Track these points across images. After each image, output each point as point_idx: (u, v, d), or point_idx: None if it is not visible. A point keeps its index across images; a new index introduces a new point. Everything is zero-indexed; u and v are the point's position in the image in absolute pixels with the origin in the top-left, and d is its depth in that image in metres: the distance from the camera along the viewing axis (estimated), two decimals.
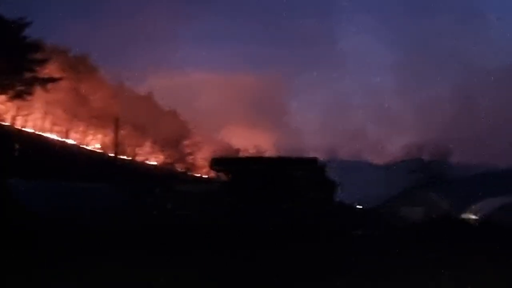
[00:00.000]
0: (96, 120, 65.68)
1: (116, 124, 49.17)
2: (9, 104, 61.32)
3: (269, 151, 65.22)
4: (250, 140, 68.39)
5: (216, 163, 50.98)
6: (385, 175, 49.11)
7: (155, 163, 68.22)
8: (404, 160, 45.33)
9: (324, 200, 45.97)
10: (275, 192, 40.95)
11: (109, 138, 59.36)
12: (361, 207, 57.65)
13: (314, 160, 49.20)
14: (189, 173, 68.16)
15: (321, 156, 51.20)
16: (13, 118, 62.90)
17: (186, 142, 69.33)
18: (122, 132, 55.29)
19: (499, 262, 18.95)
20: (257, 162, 47.70)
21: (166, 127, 70.01)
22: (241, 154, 57.70)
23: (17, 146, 46.45)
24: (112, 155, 52.69)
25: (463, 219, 53.38)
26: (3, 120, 61.87)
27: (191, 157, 68.66)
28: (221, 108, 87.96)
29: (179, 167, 67.34)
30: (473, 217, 59.38)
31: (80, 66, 67.97)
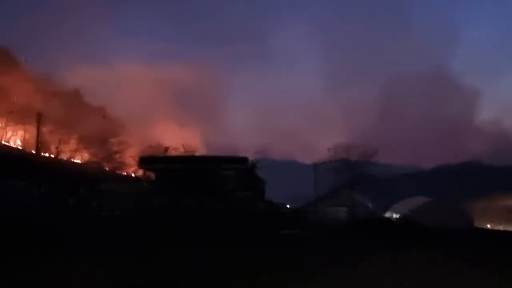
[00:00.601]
0: (18, 115, 62.65)
1: (39, 120, 47.20)
2: None
3: (199, 150, 64.82)
4: (180, 139, 67.64)
5: (145, 161, 50.06)
6: (313, 175, 49.99)
7: (79, 161, 65.93)
8: (331, 161, 46.31)
9: (254, 199, 46.27)
10: (203, 191, 40.76)
11: (31, 135, 56.75)
12: (289, 206, 58.45)
13: (244, 160, 49.36)
14: (116, 172, 66.42)
15: (251, 156, 51.37)
16: None
17: (113, 140, 67.42)
18: (45, 129, 53.05)
19: (418, 256, 19.87)
20: (186, 161, 47.26)
21: (93, 124, 67.87)
22: (170, 153, 56.80)
23: None
24: (34, 152, 50.47)
25: (386, 218, 55.38)
26: None
27: (118, 155, 66.85)
28: (150, 106, 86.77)
29: (106, 166, 65.43)
30: (395, 216, 61.71)
31: (1, 59, 64.64)
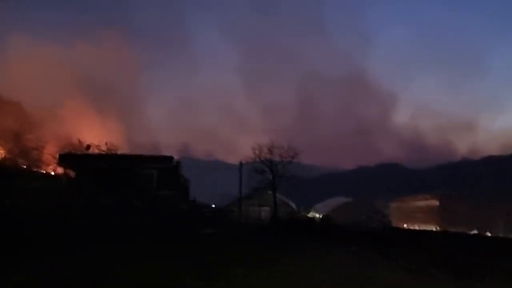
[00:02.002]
0: None
1: None
2: None
3: (123, 149, 63.54)
4: (102, 136, 66.00)
5: (64, 159, 48.55)
6: (237, 175, 50.45)
7: None
8: (254, 161, 46.92)
9: (177, 199, 46.04)
10: (125, 190, 40.12)
11: None
12: (213, 205, 58.61)
13: (168, 158, 49.01)
14: (33, 169, 63.74)
15: (174, 154, 51.12)
16: None
17: (30, 136, 64.65)
18: None
19: (333, 252, 20.75)
20: (108, 159, 46.33)
21: (8, 119, 64.77)
22: (92, 151, 55.34)
23: None
24: None
25: (308, 217, 56.91)
26: None
27: (36, 152, 64.17)
28: (71, 102, 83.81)
29: (23, 163, 62.65)
30: (317, 215, 63.51)
31: None
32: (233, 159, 72.18)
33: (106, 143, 58.30)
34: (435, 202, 75.42)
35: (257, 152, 46.76)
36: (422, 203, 79.58)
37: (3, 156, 63.05)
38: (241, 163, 51.27)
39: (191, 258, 18.10)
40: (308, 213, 68.35)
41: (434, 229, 62.03)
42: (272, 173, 46.31)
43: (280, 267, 17.01)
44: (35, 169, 63.21)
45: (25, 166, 60.83)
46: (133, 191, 40.85)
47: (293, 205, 62.50)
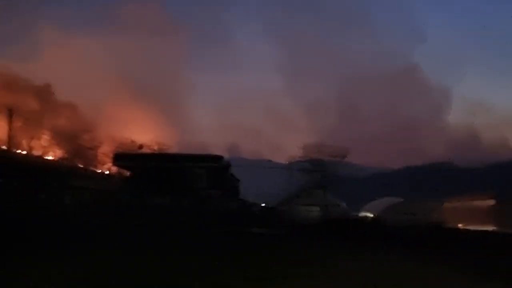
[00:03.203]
0: None
1: (10, 116, 46.62)
2: None
3: (174, 148, 64.86)
4: (154, 136, 67.55)
5: (119, 159, 50.01)
6: (285, 175, 50.57)
7: (51, 157, 65.19)
8: (303, 160, 46.94)
9: (226, 198, 46.62)
10: (177, 189, 40.94)
11: (1, 131, 55.96)
12: (262, 205, 58.96)
13: (218, 158, 49.68)
14: (89, 169, 65.91)
15: (223, 154, 51.76)
16: None
17: (86, 137, 66.91)
18: (16, 125, 52.34)
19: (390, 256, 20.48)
20: (161, 159, 47.37)
21: (66, 120, 67.18)
22: (144, 150, 56.75)
23: None
24: (5, 148, 49.78)
25: (359, 218, 56.32)
26: None
27: (91, 152, 66.36)
28: (123, 102, 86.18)
29: (79, 162, 64.88)
30: (369, 215, 62.77)
31: None
32: (281, 158, 72.33)
33: (157, 143, 59.77)
34: (491, 202, 72.98)
35: (305, 151, 46.79)
36: (477, 203, 77.16)
37: (60, 156, 65.50)
38: (289, 163, 51.41)
39: (239, 258, 18.30)
40: (359, 213, 67.66)
41: (490, 229, 60.16)
42: (321, 172, 46.23)
43: (330, 267, 16.96)
44: (91, 169, 65.42)
45: (81, 166, 63.04)
46: (183, 190, 41.64)
47: (343, 205, 62.04)
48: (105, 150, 65.19)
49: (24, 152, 59.95)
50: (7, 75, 67.12)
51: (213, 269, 15.38)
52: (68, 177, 45.81)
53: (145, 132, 71.74)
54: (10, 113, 46.71)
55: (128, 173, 47.86)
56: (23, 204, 31.67)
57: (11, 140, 48.28)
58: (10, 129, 46.57)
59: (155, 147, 60.28)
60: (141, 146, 53.56)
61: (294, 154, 48.15)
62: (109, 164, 59.44)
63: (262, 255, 19.34)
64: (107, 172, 61.79)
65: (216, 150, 67.42)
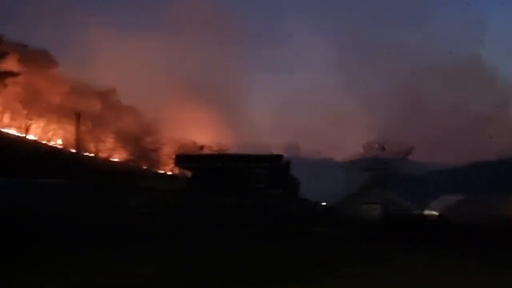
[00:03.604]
0: (57, 115, 64.57)
1: (78, 120, 48.61)
2: None
3: (233, 148, 65.62)
4: (214, 137, 68.58)
5: (181, 160, 51.12)
6: (344, 173, 50.06)
7: (117, 159, 67.51)
8: (362, 158, 46.36)
9: (287, 197, 46.68)
10: (238, 189, 41.40)
11: (70, 134, 58.43)
12: (323, 204, 58.59)
13: (278, 157, 49.83)
14: (153, 170, 67.78)
15: (282, 153, 51.79)
16: None
17: (149, 139, 68.89)
18: (83, 128, 54.53)
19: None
20: (221, 159, 48.00)
21: (128, 123, 69.38)
22: (205, 151, 57.77)
23: None
24: (74, 151, 51.99)
25: (423, 216, 54.88)
26: None
27: (154, 153, 68.25)
28: (183, 105, 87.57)
29: (143, 164, 66.89)
30: (434, 213, 61.02)
31: (39, 61, 66.59)
32: (341, 157, 71.49)
33: (217, 143, 60.68)
34: None
35: (366, 149, 46.18)
36: None
37: (125, 157, 67.72)
38: (350, 161, 50.85)
39: (301, 257, 18.32)
40: (423, 211, 65.93)
41: None
42: (383, 170, 45.46)
43: (393, 267, 16.66)
44: (154, 170, 67.27)
45: (145, 167, 64.99)
46: (244, 190, 42.04)
47: (406, 203, 60.69)
48: (168, 152, 66.87)
49: (92, 155, 62.44)
50: (72, 80, 70.10)
51: (272, 267, 15.48)
52: (133, 178, 47.29)
53: (205, 133, 72.97)
54: (78, 117, 48.62)
55: (189, 174, 48.83)
56: (92, 205, 32.99)
57: (79, 143, 50.28)
58: (77, 133, 48.48)
59: (215, 148, 61.28)
60: (201, 147, 54.56)
61: (354, 152, 47.71)
62: (172, 165, 60.91)
63: (327, 254, 19.29)
64: (169, 173, 63.33)
65: (275, 149, 67.44)
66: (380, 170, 45.55)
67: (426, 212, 64.01)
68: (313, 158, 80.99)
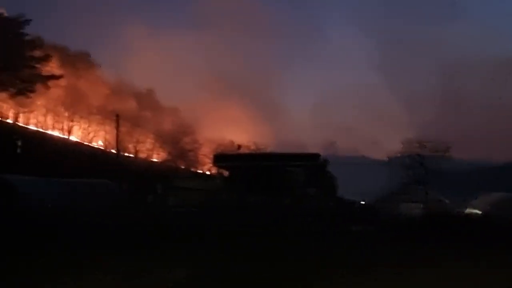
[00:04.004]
0: (97, 117, 66.17)
1: (117, 121, 49.55)
2: (11, 101, 61.80)
3: (270, 147, 65.79)
4: (251, 136, 68.95)
5: (218, 159, 51.49)
6: (383, 171, 49.43)
7: (156, 160, 68.69)
8: (402, 156, 45.72)
9: (324, 196, 46.44)
10: (276, 188, 41.43)
11: (110, 135, 59.71)
12: (361, 202, 58.06)
13: (315, 156, 49.59)
14: (191, 169, 68.65)
15: (319, 151, 51.60)
16: (16, 116, 63.35)
17: (187, 139, 69.79)
18: (123, 129, 55.60)
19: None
20: (259, 158, 48.11)
21: (167, 123, 70.48)
22: (243, 150, 58.05)
23: (20, 143, 46.88)
24: (114, 151, 53.08)
25: (465, 214, 53.66)
26: (5, 118, 62.27)
27: (192, 153, 69.09)
28: (221, 104, 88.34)
29: (181, 164, 67.81)
30: (476, 211, 59.62)
31: (79, 63, 68.35)
32: (380, 155, 70.69)
33: (254, 142, 60.89)
34: None
35: (405, 146, 45.54)
36: None
37: (163, 157, 68.79)
38: (388, 159, 50.23)
39: (338, 255, 18.20)
40: (464, 209, 64.46)
41: None
42: (423, 168, 44.73)
43: (436, 268, 16.34)
44: (192, 169, 68.15)
45: (183, 167, 65.91)
46: (281, 188, 42.04)
47: (446, 201, 59.52)
48: (205, 151, 67.61)
49: (131, 155, 63.66)
50: (112, 81, 71.64)
51: (308, 267, 15.46)
52: (171, 178, 47.99)
53: (242, 132, 73.54)
54: (117, 118, 49.55)
55: (227, 173, 49.17)
56: (133, 204, 33.69)
57: (119, 144, 51.25)
58: (117, 134, 49.42)
59: (253, 147, 61.55)
60: (239, 146, 54.88)
61: (393, 149, 47.11)
62: (209, 165, 61.52)
63: (363, 254, 19.11)
64: (207, 173, 63.98)
65: (312, 147, 67.31)
66: (420, 168, 44.79)
67: (468, 210, 62.55)
68: (351, 156, 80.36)
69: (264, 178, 42.45)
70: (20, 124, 63.02)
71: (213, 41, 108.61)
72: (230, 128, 77.42)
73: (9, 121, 62.63)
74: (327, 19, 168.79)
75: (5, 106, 62.52)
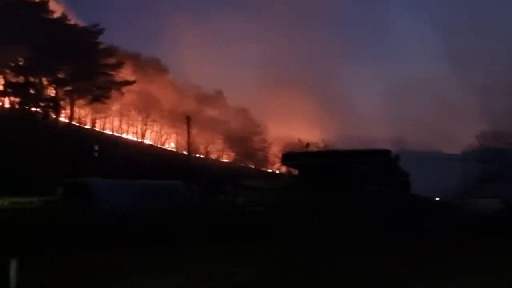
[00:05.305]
0: (169, 120, 68.20)
1: (188, 123, 50.73)
2: (88, 108, 65.17)
3: (339, 143, 65.02)
4: (320, 133, 68.45)
5: (287, 158, 51.46)
6: (458, 166, 47.52)
7: (226, 160, 69.80)
8: (477, 149, 43.72)
9: (396, 193, 45.30)
10: (346, 186, 40.93)
11: (182, 137, 61.34)
12: (435, 199, 56.21)
13: (386, 152, 48.46)
14: (260, 169, 69.21)
15: (389, 147, 50.32)
16: (93, 121, 66.65)
17: (256, 138, 70.49)
18: (194, 131, 56.91)
19: None
20: (328, 156, 47.70)
21: (236, 123, 71.38)
22: (312, 148, 57.75)
23: (97, 147, 49.18)
24: (186, 153, 54.44)
25: None
26: (83, 124, 65.70)
27: (261, 153, 69.69)
28: (286, 101, 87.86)
29: (250, 163, 68.55)
30: None
31: (150, 68, 70.81)
32: (453, 149, 68.00)
33: (323, 140, 60.46)
34: None
35: (481, 140, 43.63)
36: None
37: (233, 158, 69.85)
38: (463, 153, 48.33)
39: (411, 254, 17.77)
40: None
41: None
42: (501, 162, 42.66)
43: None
44: (261, 169, 68.67)
45: (253, 167, 66.57)
46: (351, 186, 41.46)
47: None
48: (274, 151, 67.96)
49: (202, 156, 65.09)
50: (182, 85, 73.50)
51: (384, 266, 15.21)
52: (241, 177, 48.58)
53: (310, 129, 73.02)
54: (188, 121, 50.72)
55: (296, 172, 49.13)
56: (204, 204, 34.41)
57: (190, 145, 52.49)
58: (188, 136, 50.58)
59: (322, 144, 61.17)
60: (307, 144, 54.65)
61: (467, 143, 45.24)
62: (278, 164, 61.76)
63: (432, 251, 18.57)
64: (277, 172, 64.26)
65: (381, 142, 65.46)
66: (498, 162, 42.72)
67: None
68: (423, 151, 77.85)
69: (333, 176, 42.04)
70: (97, 129, 66.11)
71: (274, 33, 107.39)
72: (297, 124, 77.08)
73: (87, 126, 65.88)
74: (392, 6, 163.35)
75: (83, 112, 65.88)
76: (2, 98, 62.02)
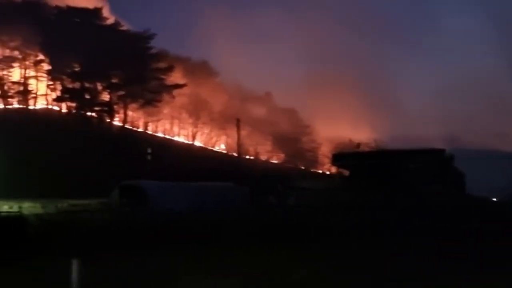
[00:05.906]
0: (219, 122, 69.01)
1: (238, 125, 51.06)
2: (141, 111, 66.89)
3: (390, 143, 63.97)
4: (370, 133, 67.64)
5: (337, 158, 51.15)
6: None
7: (276, 161, 69.88)
8: None
9: (450, 193, 44.16)
10: (398, 186, 40.23)
11: (232, 139, 61.88)
12: (492, 199, 54.42)
13: (439, 151, 47.36)
14: (310, 170, 68.94)
15: (443, 146, 49.12)
16: (145, 125, 68.31)
17: (305, 139, 70.30)
18: (244, 133, 57.24)
19: None
20: (379, 156, 47.04)
21: (285, 124, 71.38)
22: (362, 149, 57.06)
23: (150, 150, 50.29)
24: (236, 155, 54.82)
25: None
26: (136, 127, 67.47)
27: (311, 153, 69.44)
28: (335, 101, 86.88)
29: (300, 164, 68.40)
30: None
31: (200, 72, 71.86)
32: (510, 147, 65.79)
33: (374, 140, 59.65)
34: None
35: None
36: None
37: (283, 159, 69.89)
38: None
39: (462, 256, 17.30)
40: None
41: None
42: None
43: None
44: (311, 169, 68.40)
45: (302, 168, 66.40)
46: (404, 186, 40.72)
47: None
48: (324, 151, 67.56)
49: (252, 158, 65.44)
50: (231, 87, 74.15)
51: (435, 267, 14.92)
52: (292, 178, 48.52)
53: (360, 129, 72.14)
54: (238, 123, 51.01)
55: (347, 172, 48.69)
56: (255, 205, 34.61)
57: (240, 147, 52.79)
58: (238, 138, 50.88)
59: (372, 144, 60.39)
60: (358, 145, 54.10)
61: None
62: (328, 165, 61.34)
63: (487, 253, 18.01)
64: (327, 173, 63.83)
65: (435, 142, 63.89)
66: None
67: None
68: (478, 150, 75.48)
69: (386, 176, 41.42)
70: (149, 132, 67.67)
71: (322, 33, 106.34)
72: (347, 124, 76.24)
73: (140, 129, 67.55)
74: (443, 2, 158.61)
75: (135, 116, 67.63)
76: (60, 104, 64.47)
